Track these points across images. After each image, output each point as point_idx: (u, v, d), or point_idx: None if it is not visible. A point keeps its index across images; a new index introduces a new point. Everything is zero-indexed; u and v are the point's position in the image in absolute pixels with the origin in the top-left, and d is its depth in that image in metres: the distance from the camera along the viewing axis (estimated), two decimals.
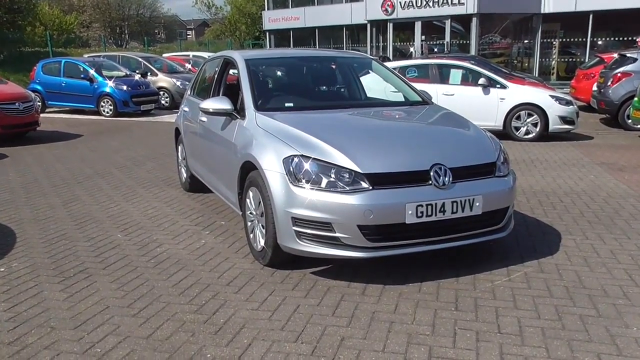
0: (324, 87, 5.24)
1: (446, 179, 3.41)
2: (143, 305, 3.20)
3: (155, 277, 3.63)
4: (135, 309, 3.15)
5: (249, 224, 4.00)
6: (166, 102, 15.33)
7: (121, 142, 9.62)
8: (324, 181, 3.36)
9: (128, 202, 5.59)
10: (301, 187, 3.38)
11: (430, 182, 3.38)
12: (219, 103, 4.36)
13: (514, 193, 3.80)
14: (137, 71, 14.81)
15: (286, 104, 4.50)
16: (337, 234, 3.31)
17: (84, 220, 4.97)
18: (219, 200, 5.58)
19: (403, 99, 4.93)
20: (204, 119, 5.01)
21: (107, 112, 13.44)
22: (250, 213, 3.96)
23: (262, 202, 3.68)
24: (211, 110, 4.36)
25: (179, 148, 6.23)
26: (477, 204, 3.43)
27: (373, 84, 5.47)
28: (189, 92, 6.13)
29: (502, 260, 3.79)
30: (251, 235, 3.98)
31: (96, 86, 13.43)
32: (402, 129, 4.17)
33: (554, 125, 9.02)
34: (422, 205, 3.30)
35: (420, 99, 4.83)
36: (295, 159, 3.46)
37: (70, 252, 4.15)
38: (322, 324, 2.94)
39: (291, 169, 3.45)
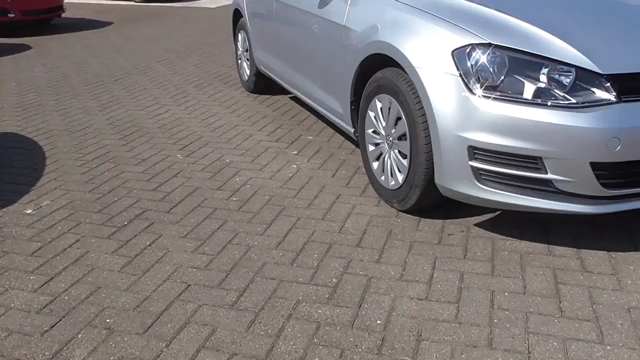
0: None
1: None
2: (241, 285, 2.06)
3: (245, 229, 2.47)
4: (231, 292, 2.02)
5: (372, 148, 2.74)
6: None
7: (157, 31, 8.22)
8: (529, 88, 2.02)
9: (180, 107, 4.36)
10: (487, 96, 2.06)
11: None
12: None
13: None
14: None
15: None
16: (549, 176, 2.03)
17: (130, 133, 3.78)
18: (295, 105, 4.29)
19: None
20: None
21: None
22: (374, 132, 2.69)
23: (404, 119, 2.39)
24: None
25: (239, 37, 4.84)
26: None
27: None
28: None
29: None
30: (374, 165, 2.73)
31: None
32: None
33: None
34: None
35: None
36: (476, 52, 2.10)
37: (118, 181, 3.00)
38: (542, 334, 1.75)
39: (470, 67, 2.10)
